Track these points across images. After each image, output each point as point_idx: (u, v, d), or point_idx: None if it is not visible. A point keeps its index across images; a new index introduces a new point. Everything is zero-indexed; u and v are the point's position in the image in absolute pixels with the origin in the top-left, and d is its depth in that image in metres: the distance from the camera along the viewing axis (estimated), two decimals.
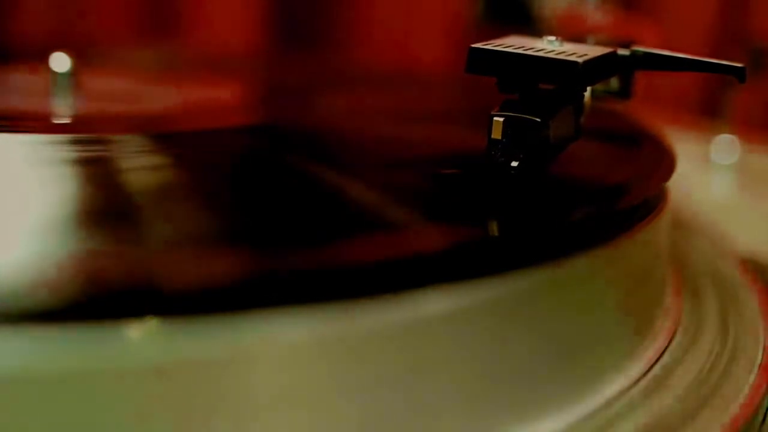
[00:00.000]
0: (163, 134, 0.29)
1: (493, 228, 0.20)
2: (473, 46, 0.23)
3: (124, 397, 0.15)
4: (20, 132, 0.28)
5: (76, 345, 0.15)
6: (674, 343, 0.23)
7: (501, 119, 0.22)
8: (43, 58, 0.33)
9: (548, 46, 0.23)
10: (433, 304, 0.17)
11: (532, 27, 0.44)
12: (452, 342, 0.18)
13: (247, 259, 0.18)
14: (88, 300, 0.15)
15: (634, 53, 0.25)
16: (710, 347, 0.23)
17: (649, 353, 0.22)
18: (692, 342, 0.23)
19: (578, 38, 0.25)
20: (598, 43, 0.25)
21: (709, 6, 0.59)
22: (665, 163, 0.26)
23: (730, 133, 0.45)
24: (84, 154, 0.26)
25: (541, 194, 0.22)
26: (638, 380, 0.21)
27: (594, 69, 0.23)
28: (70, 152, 0.26)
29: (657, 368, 0.22)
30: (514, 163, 0.22)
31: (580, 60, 0.22)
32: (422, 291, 0.17)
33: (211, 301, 0.16)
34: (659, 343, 0.23)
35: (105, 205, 0.21)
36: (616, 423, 0.19)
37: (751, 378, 0.22)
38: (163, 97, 0.35)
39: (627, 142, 0.29)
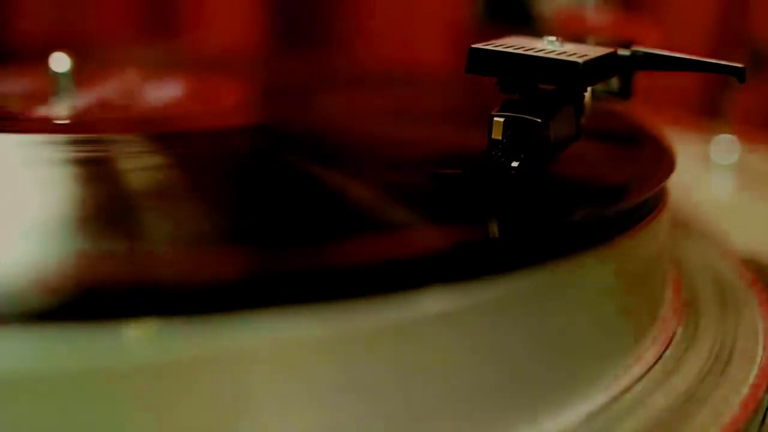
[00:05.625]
0: (163, 134, 0.29)
1: (493, 228, 0.20)
2: (473, 46, 0.23)
3: (124, 397, 0.15)
4: (20, 132, 0.28)
5: (76, 345, 0.15)
6: (674, 343, 0.23)
7: (501, 119, 0.22)
8: (43, 58, 0.33)
9: (548, 46, 0.23)
10: (433, 305, 0.17)
11: (532, 27, 0.44)
12: (452, 342, 0.18)
13: (247, 259, 0.18)
14: (88, 300, 0.15)
15: (634, 53, 0.25)
16: (710, 347, 0.23)
17: (649, 353, 0.22)
18: (692, 342, 0.23)
19: (578, 38, 0.25)
20: (598, 44, 0.25)
21: (709, 6, 0.59)
22: (665, 163, 0.26)
23: (730, 133, 0.45)
24: (84, 154, 0.26)
25: (541, 194, 0.22)
26: (638, 380, 0.21)
27: (594, 69, 0.23)
28: (70, 152, 0.26)
29: (657, 368, 0.22)
30: (515, 163, 0.22)
31: (580, 60, 0.22)
32: (422, 291, 0.17)
33: (211, 301, 0.16)
34: (659, 343, 0.23)
35: (105, 206, 0.21)
36: (616, 423, 0.19)
37: (751, 378, 0.22)
38: (163, 97, 0.35)
39: (627, 142, 0.29)
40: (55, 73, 0.33)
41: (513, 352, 0.19)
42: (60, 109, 0.33)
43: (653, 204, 0.24)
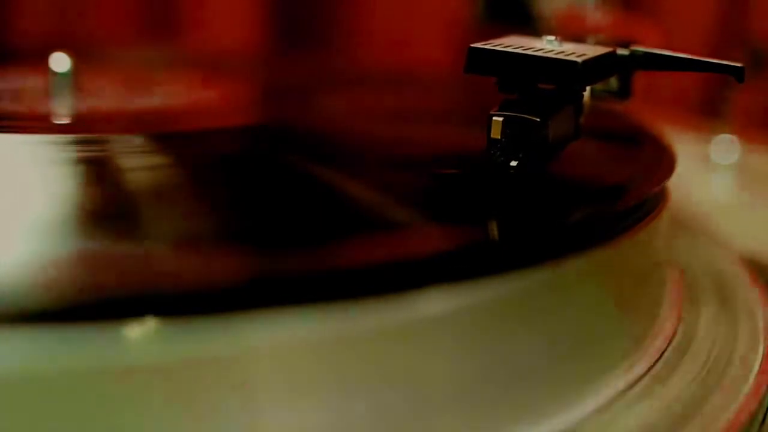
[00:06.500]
0: (163, 134, 0.29)
1: (493, 228, 0.20)
2: (472, 45, 0.23)
3: (124, 397, 0.15)
4: (20, 132, 0.28)
5: (76, 345, 0.15)
6: (674, 343, 0.23)
7: (500, 119, 0.22)
8: (43, 58, 0.33)
9: (547, 46, 0.23)
10: (433, 305, 0.17)
11: (532, 27, 0.44)
12: (452, 342, 0.18)
13: (247, 259, 0.18)
14: (88, 300, 0.15)
15: (633, 53, 0.25)
16: (710, 347, 0.23)
17: (649, 353, 0.22)
18: (692, 342, 0.23)
19: (578, 38, 0.25)
20: (597, 43, 0.25)
21: (709, 6, 0.59)
22: (665, 163, 0.26)
23: (730, 133, 0.45)
24: (84, 154, 0.26)
25: (540, 194, 0.22)
26: (638, 380, 0.21)
27: (593, 69, 0.23)
28: (70, 152, 0.26)
29: (657, 368, 0.22)
30: (514, 163, 0.22)
31: (579, 60, 0.22)
32: (422, 291, 0.17)
33: (211, 301, 0.16)
34: (659, 343, 0.23)
35: (105, 205, 0.21)
36: (617, 423, 0.19)
37: (751, 378, 0.22)
38: (163, 97, 0.35)
39: (627, 142, 0.29)
40: (55, 73, 0.33)
41: (512, 353, 0.19)
42: (60, 109, 0.33)
43: (653, 204, 0.24)
